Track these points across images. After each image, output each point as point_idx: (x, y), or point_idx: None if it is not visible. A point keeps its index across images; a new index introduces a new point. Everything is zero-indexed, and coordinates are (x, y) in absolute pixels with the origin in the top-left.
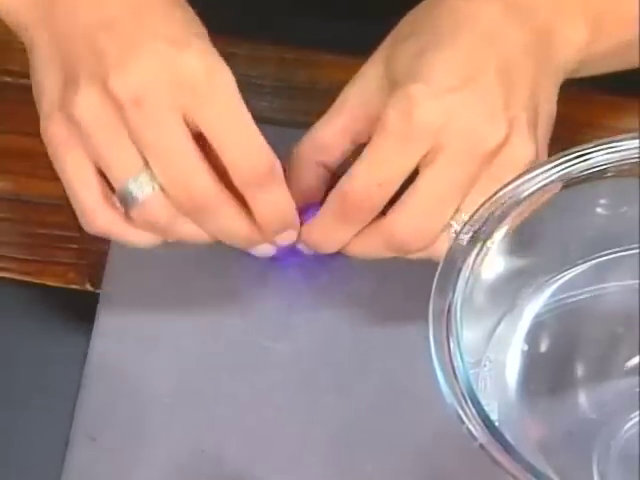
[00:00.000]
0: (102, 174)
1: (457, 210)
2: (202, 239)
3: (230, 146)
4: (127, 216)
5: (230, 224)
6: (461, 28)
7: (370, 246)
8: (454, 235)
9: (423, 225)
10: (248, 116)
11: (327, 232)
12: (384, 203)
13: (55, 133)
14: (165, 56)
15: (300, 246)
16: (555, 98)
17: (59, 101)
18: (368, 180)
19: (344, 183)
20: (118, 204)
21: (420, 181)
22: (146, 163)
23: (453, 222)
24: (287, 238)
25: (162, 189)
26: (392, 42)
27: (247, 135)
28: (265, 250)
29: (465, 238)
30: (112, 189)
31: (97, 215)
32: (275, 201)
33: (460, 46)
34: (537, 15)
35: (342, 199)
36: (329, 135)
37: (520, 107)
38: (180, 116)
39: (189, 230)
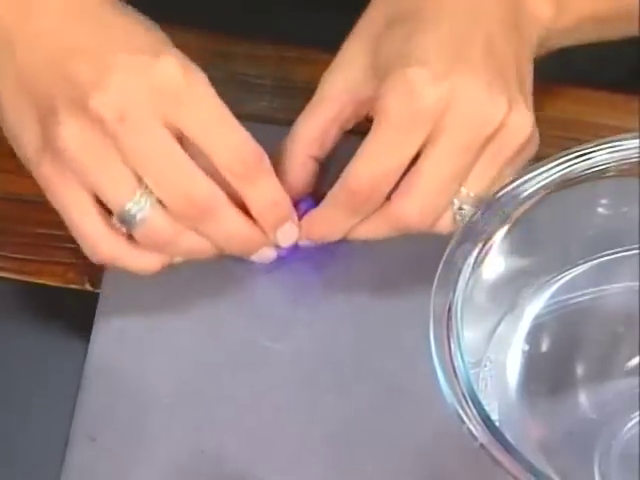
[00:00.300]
0: (99, 201)
1: (461, 192)
2: (206, 251)
3: (219, 145)
4: (130, 239)
5: (233, 225)
6: (444, 8)
7: (376, 230)
8: (457, 210)
9: (429, 206)
10: (229, 112)
11: (334, 224)
12: (390, 188)
13: (46, 173)
14: (140, 67)
15: (300, 242)
16: (532, 69)
17: (42, 141)
18: (375, 171)
19: (350, 177)
20: (119, 225)
21: (424, 163)
22: (139, 180)
23: (456, 200)
24: (289, 235)
25: (160, 203)
26: (373, 28)
27: (233, 131)
28: (266, 254)
29: (469, 216)
30: (110, 213)
31: (101, 243)
32: (269, 191)
33: (447, 26)
34: None
35: (350, 193)
36: (319, 127)
37: (513, 81)
38: (163, 124)
39: (193, 242)
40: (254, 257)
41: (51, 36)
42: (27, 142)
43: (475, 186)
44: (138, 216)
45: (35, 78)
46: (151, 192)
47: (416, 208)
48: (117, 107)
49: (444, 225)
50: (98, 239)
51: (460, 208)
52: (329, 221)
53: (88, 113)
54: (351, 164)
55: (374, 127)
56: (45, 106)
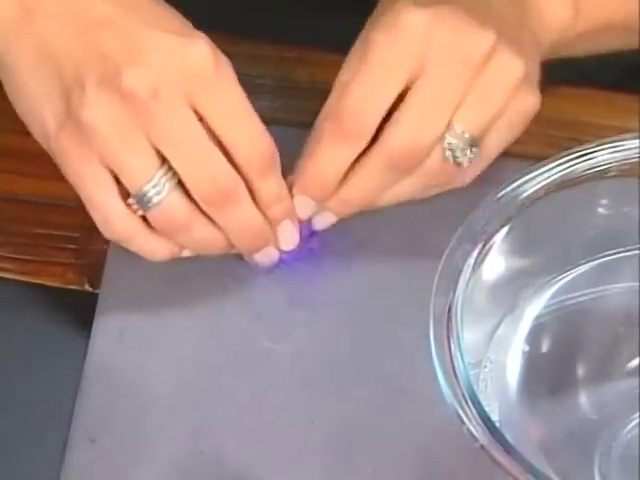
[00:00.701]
0: (117, 180)
1: (450, 123)
2: (217, 244)
3: (240, 137)
4: (144, 221)
5: (248, 215)
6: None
7: (371, 174)
8: (447, 146)
9: (418, 134)
10: (250, 104)
11: (327, 159)
12: (377, 118)
13: (65, 145)
14: (174, 48)
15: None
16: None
17: (64, 114)
18: (363, 99)
19: (339, 104)
20: (135, 206)
21: (412, 90)
22: (161, 161)
23: (447, 135)
24: (289, 235)
25: (180, 185)
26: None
27: (253, 122)
28: (270, 253)
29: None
30: (126, 194)
31: (115, 217)
32: (277, 185)
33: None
34: None
35: (339, 119)
36: None
37: (504, 31)
38: (189, 106)
39: (206, 233)
40: (258, 256)
41: (76, 11)
42: (48, 114)
43: (466, 122)
44: (155, 198)
45: (60, 51)
46: (172, 175)
47: (405, 136)
48: (151, 83)
49: (435, 160)
50: (112, 213)
51: (450, 145)
52: (322, 157)
53: (120, 88)
54: (337, 93)
55: (363, 58)
56: (71, 79)
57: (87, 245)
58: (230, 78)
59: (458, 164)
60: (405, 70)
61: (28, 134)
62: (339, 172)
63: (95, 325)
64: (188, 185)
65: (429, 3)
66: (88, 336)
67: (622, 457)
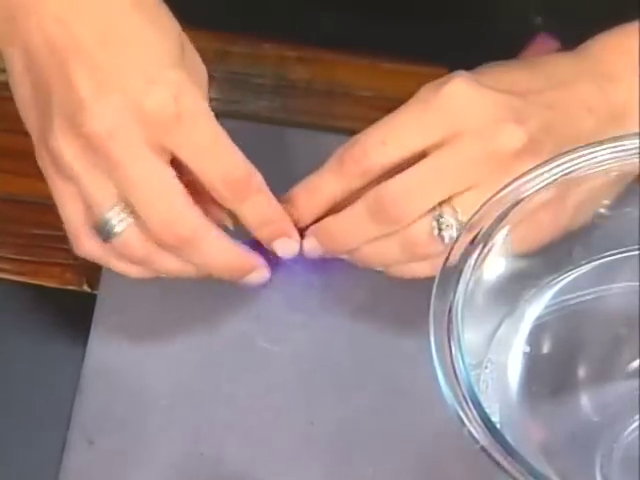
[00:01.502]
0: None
1: (452, 204)
2: (188, 273)
3: (207, 171)
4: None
5: (215, 253)
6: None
7: (354, 212)
8: (436, 225)
9: (407, 198)
10: (219, 135)
11: (323, 191)
12: (382, 160)
13: (44, 159)
14: (133, 92)
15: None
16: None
17: (40, 132)
18: (376, 137)
19: (355, 141)
20: (94, 234)
21: (427, 157)
22: (121, 196)
23: (446, 215)
24: (287, 248)
25: (138, 222)
26: None
27: (220, 157)
28: (256, 279)
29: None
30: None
31: (84, 239)
32: (260, 209)
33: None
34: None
35: (344, 151)
36: None
37: (549, 139)
38: (155, 149)
39: (171, 264)
40: (243, 282)
41: (58, 24)
42: (30, 124)
43: (467, 209)
44: (117, 227)
45: (39, 64)
46: (132, 209)
47: (399, 187)
48: (108, 125)
49: (421, 230)
50: (81, 235)
51: (441, 222)
52: (314, 179)
53: (80, 128)
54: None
55: (401, 108)
56: (44, 96)
57: None
58: (195, 118)
59: (443, 242)
60: (426, 135)
61: (26, 134)
62: (324, 199)
63: (93, 326)
64: (148, 227)
65: (491, 81)
66: (86, 337)
67: (623, 459)
